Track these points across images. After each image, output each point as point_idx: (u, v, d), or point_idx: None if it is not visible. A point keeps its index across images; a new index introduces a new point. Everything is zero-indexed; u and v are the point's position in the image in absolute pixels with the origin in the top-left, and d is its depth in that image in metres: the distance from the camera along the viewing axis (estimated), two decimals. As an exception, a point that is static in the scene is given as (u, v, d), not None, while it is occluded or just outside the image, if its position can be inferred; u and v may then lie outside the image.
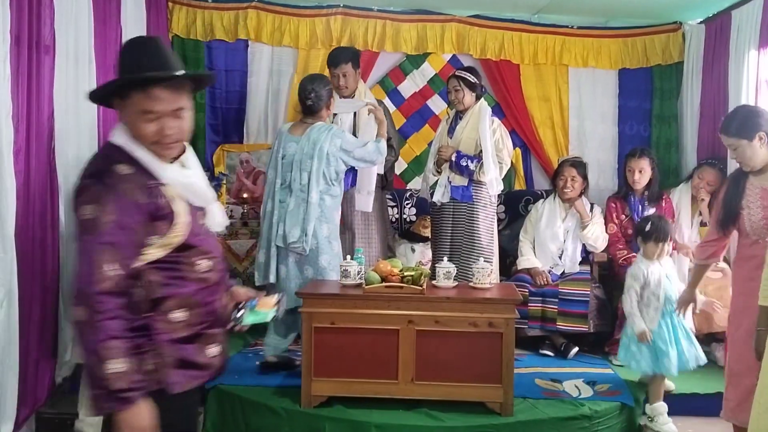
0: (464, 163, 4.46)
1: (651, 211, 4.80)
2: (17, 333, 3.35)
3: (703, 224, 4.88)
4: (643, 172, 4.81)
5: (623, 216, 4.90)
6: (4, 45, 3.18)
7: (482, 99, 4.64)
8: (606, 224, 4.91)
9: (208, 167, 5.32)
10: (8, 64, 3.22)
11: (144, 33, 4.91)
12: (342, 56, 4.68)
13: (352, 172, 4.44)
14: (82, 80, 4.03)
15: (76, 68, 3.95)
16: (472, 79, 4.55)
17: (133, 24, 4.74)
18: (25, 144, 3.41)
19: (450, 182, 4.54)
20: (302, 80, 4.24)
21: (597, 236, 4.82)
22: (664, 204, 4.85)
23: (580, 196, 4.91)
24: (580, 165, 4.96)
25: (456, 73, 4.62)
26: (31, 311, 3.51)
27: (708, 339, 4.54)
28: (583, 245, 4.87)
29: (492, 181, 4.44)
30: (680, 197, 4.97)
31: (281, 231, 3.97)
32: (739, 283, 3.35)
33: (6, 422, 3.27)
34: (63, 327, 3.89)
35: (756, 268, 2.99)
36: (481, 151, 4.45)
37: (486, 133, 4.42)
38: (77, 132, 4.01)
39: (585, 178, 4.95)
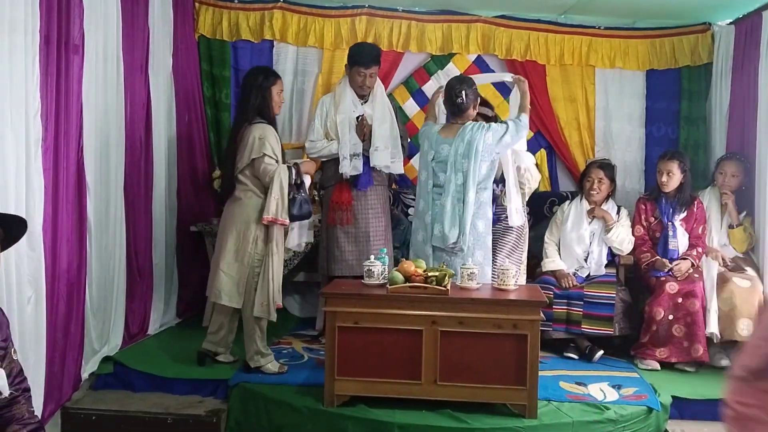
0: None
1: (682, 215, 4.72)
2: (45, 329, 3.39)
3: (731, 227, 4.79)
4: (671, 175, 4.70)
5: (652, 218, 4.82)
6: (33, 44, 3.23)
7: None
8: (633, 225, 4.84)
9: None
10: (37, 63, 3.27)
11: (171, 33, 4.97)
12: (372, 57, 4.65)
13: (367, 173, 4.51)
14: (111, 79, 4.10)
15: (104, 67, 4.02)
16: (490, 113, 4.63)
17: (161, 24, 4.79)
18: (54, 142, 3.47)
19: None
20: (450, 81, 4.31)
21: (622, 239, 4.75)
22: (695, 208, 4.74)
23: (607, 198, 4.86)
24: (608, 167, 4.91)
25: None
26: (59, 308, 3.55)
27: (728, 346, 4.41)
28: (609, 248, 4.82)
29: (512, 212, 4.32)
30: (709, 200, 4.88)
31: (438, 232, 4.06)
32: None
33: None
34: (89, 323, 3.94)
35: None
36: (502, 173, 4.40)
37: (509, 162, 4.37)
38: (106, 130, 4.06)
39: (613, 180, 4.88)
